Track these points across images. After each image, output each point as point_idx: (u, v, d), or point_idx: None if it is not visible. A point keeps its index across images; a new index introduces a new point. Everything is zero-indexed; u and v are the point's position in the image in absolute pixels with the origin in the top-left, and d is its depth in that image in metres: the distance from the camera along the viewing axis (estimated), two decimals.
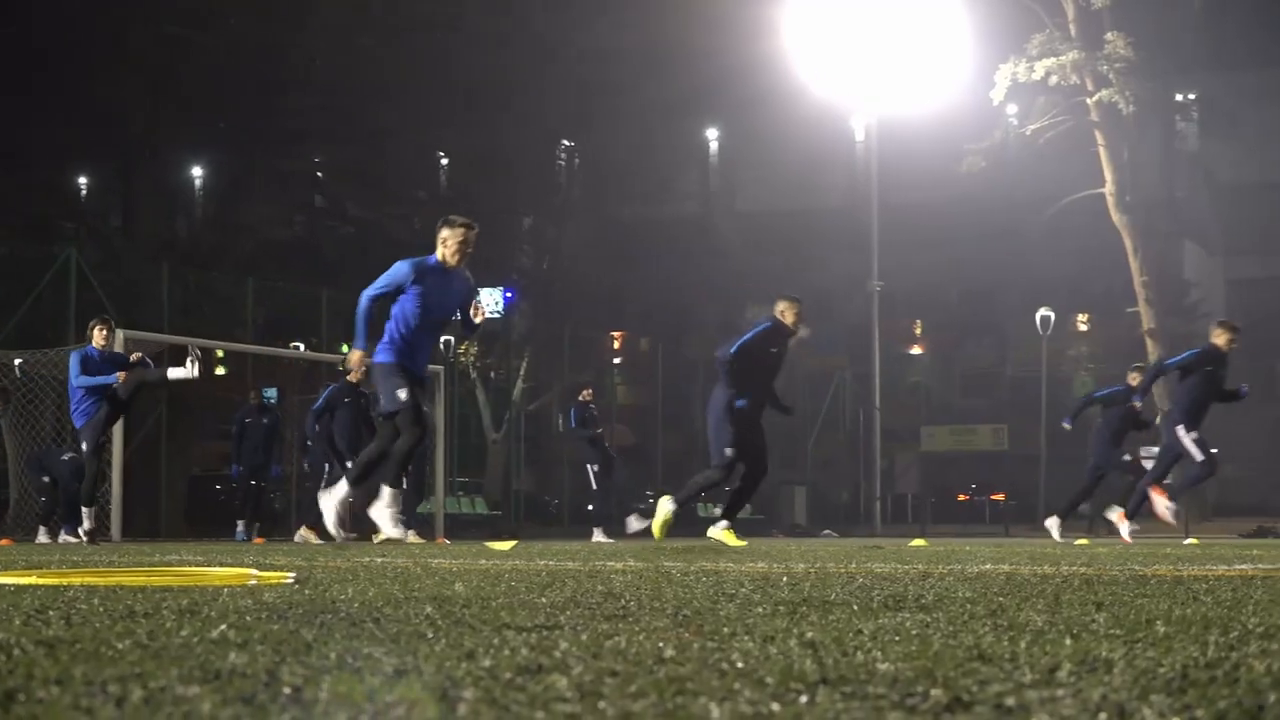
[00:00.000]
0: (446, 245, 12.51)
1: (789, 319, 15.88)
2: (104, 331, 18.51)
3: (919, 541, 20.76)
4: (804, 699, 2.44)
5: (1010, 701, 2.41)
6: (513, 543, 16.50)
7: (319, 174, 59.22)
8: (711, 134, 77.32)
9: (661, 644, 3.37)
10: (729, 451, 15.64)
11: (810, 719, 2.21)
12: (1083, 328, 74.40)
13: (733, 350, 15.73)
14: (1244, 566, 9.33)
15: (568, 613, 4.45)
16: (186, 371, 17.62)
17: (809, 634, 3.64)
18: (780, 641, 3.44)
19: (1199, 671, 2.85)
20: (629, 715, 2.24)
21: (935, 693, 2.52)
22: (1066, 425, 23.24)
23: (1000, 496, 58.96)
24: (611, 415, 51.31)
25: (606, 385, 60.83)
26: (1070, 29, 50.54)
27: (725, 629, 3.83)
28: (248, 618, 4.19)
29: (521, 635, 3.64)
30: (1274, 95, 72.02)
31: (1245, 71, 72.43)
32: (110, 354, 18.58)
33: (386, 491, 12.56)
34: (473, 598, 5.25)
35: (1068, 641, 3.44)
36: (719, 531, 15.87)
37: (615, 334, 71.68)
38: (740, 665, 2.91)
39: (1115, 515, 21.33)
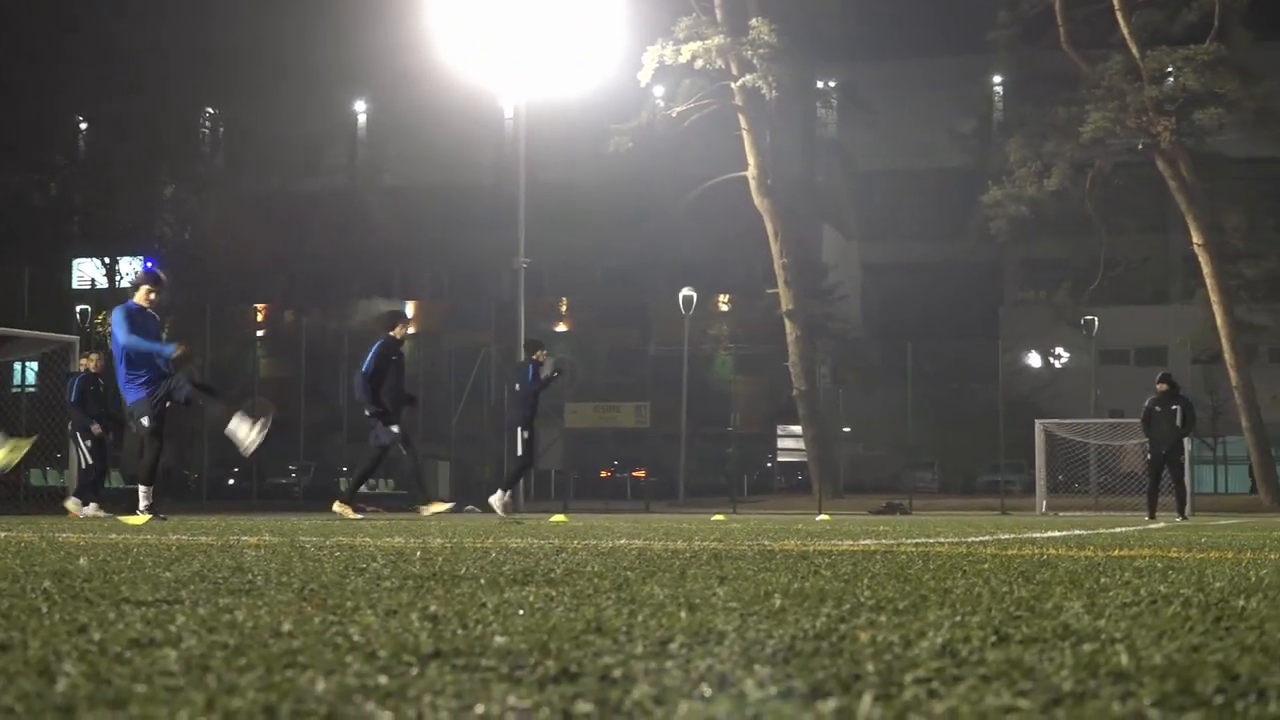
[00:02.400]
0: None
1: None
2: (151, 292, 15.55)
3: (559, 517, 20.89)
4: (414, 671, 2.44)
5: (618, 673, 2.45)
6: (147, 517, 16.13)
7: None
8: (360, 107, 76.78)
9: (281, 618, 3.34)
10: None
11: (416, 691, 2.22)
12: (724, 308, 75.83)
13: None
14: (868, 542, 9.63)
15: (190, 587, 4.38)
16: (246, 433, 14.86)
17: (432, 608, 3.65)
18: (402, 615, 3.44)
19: (806, 643, 2.93)
20: (234, 688, 2.22)
21: (546, 664, 2.54)
22: None
23: (641, 473, 59.77)
24: (254, 388, 50.57)
25: (249, 358, 59.95)
26: (717, 14, 51.46)
27: (349, 603, 3.81)
28: None
29: (139, 610, 3.58)
30: (908, 85, 74.40)
31: (883, 61, 74.71)
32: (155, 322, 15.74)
33: None
34: (95, 572, 5.15)
35: (684, 615, 3.51)
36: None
37: (259, 306, 70.76)
38: (357, 639, 2.91)
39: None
